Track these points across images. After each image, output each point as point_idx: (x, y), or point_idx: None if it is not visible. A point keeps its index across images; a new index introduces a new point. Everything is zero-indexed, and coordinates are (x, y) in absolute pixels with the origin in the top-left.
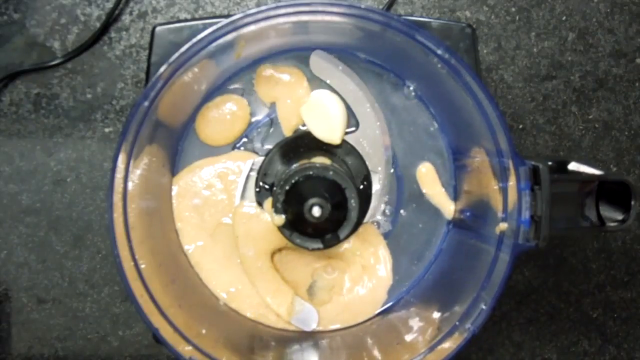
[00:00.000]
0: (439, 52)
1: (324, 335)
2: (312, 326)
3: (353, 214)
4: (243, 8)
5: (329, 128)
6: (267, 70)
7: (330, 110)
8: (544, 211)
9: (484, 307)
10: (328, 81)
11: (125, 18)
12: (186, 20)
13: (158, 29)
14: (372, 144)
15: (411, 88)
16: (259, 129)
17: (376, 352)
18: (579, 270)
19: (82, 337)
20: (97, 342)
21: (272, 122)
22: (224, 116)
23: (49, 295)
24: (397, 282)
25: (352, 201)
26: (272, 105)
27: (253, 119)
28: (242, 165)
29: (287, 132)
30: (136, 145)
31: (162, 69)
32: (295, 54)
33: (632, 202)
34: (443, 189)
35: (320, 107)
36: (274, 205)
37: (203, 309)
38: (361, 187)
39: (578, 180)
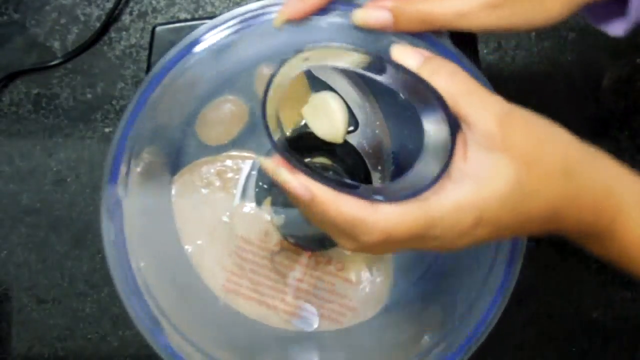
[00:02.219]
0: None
1: (325, 336)
2: (313, 326)
3: None
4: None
5: (331, 127)
6: (266, 70)
7: (332, 110)
8: None
9: (484, 307)
10: (328, 81)
11: (125, 18)
12: (186, 20)
13: (158, 29)
14: (372, 143)
15: None
16: (259, 129)
17: (377, 352)
18: (579, 270)
19: (82, 337)
20: (97, 342)
21: None
22: (224, 116)
23: (49, 295)
24: (398, 282)
25: None
26: None
27: (253, 119)
28: (242, 165)
29: (287, 131)
30: (135, 145)
31: (158, 68)
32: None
33: None
34: None
35: (321, 107)
36: (273, 205)
37: (203, 308)
38: None
39: None
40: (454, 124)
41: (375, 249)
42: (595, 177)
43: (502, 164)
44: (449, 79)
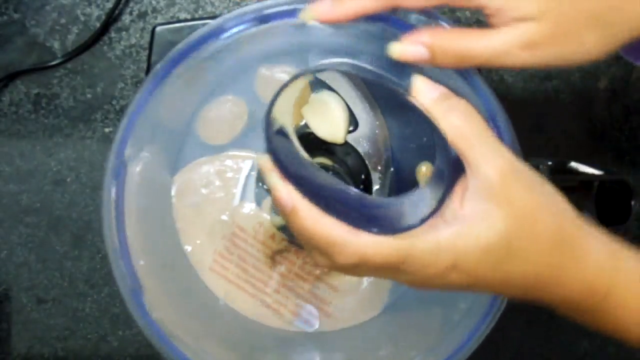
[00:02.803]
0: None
1: (326, 336)
2: (314, 327)
3: None
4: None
5: (332, 128)
6: (267, 71)
7: (332, 110)
8: None
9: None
10: (327, 81)
11: (125, 18)
12: (186, 20)
13: (158, 29)
14: (372, 143)
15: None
16: (259, 129)
17: (377, 353)
18: None
19: (82, 337)
20: (97, 342)
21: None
22: (224, 116)
23: (49, 295)
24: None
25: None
26: None
27: (253, 119)
28: (242, 165)
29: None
30: (135, 144)
31: (158, 67)
32: (295, 54)
33: (632, 202)
34: None
35: (322, 107)
36: (272, 205)
37: (203, 309)
38: (361, 186)
39: (578, 180)
40: (455, 169)
41: (347, 270)
42: (587, 256)
43: (495, 215)
44: (464, 119)
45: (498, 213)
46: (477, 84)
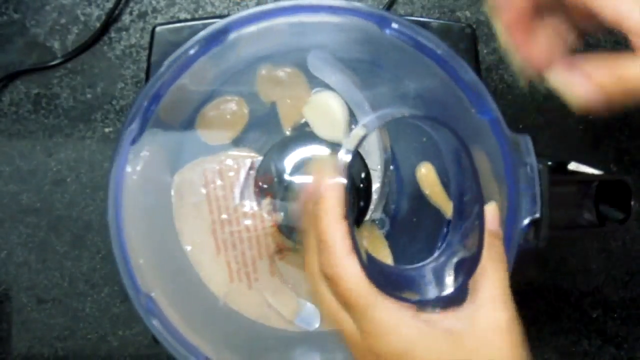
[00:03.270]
0: (439, 52)
1: (326, 335)
2: (315, 326)
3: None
4: (243, 8)
5: (332, 127)
6: (267, 71)
7: (332, 110)
8: (543, 211)
9: None
10: (327, 81)
11: (125, 18)
12: (186, 20)
13: (158, 29)
14: (371, 143)
15: (411, 87)
16: (259, 128)
17: None
18: (579, 270)
19: (82, 337)
20: (97, 342)
21: (272, 121)
22: (224, 115)
23: (49, 295)
24: None
25: (350, 197)
26: (272, 105)
27: (253, 119)
28: (242, 164)
29: (287, 131)
30: (136, 144)
31: (162, 69)
32: (295, 54)
33: (632, 202)
34: (443, 189)
35: (322, 107)
36: (272, 204)
37: (203, 308)
38: (361, 185)
39: (578, 180)
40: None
41: (320, 278)
42: None
43: (460, 345)
44: (493, 263)
45: (463, 346)
46: None
